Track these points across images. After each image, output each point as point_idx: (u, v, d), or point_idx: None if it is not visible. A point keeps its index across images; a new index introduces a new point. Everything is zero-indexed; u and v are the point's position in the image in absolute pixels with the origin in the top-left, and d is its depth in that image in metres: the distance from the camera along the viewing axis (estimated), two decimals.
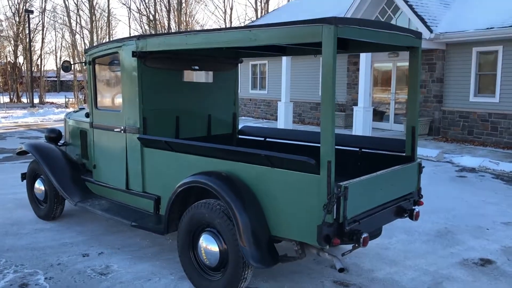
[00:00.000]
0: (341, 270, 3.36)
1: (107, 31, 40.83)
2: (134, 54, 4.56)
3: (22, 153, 6.13)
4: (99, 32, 40.62)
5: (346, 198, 3.25)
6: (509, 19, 12.07)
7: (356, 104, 16.38)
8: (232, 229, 3.59)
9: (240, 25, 20.94)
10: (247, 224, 3.52)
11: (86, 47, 5.69)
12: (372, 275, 4.36)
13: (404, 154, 4.31)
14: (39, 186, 5.88)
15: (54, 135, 6.40)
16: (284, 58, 15.02)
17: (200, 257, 3.91)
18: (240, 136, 5.74)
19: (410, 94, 4.25)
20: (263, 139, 5.47)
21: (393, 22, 15.31)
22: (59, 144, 6.38)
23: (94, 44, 22.09)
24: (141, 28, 41.76)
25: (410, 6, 13.74)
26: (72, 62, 5.48)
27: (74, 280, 4.20)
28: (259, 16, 37.60)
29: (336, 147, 4.61)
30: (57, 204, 5.73)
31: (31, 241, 5.16)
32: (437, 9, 14.36)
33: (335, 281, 4.22)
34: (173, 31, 34.73)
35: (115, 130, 4.94)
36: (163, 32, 37.43)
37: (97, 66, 5.32)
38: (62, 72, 36.59)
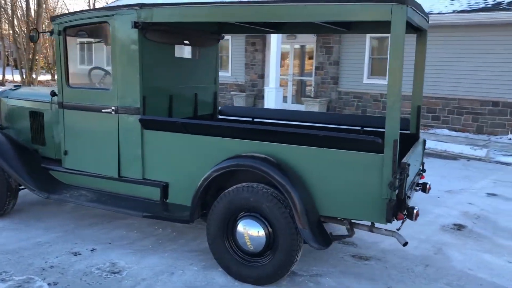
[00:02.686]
0: (406, 243, 3.49)
1: None
2: (136, 24, 4.05)
3: None
4: None
5: (408, 175, 3.37)
6: None
7: (254, 85, 16.70)
8: (284, 212, 3.48)
9: None
10: (303, 206, 3.45)
11: (53, 15, 4.77)
12: (379, 246, 4.59)
13: (408, 131, 4.58)
14: None
15: None
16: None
17: (240, 244, 3.71)
18: (220, 117, 5.49)
19: (416, 76, 4.50)
20: (250, 119, 5.30)
21: None
22: None
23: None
24: None
25: None
26: (40, 31, 4.61)
27: (86, 282, 3.68)
28: None
29: (337, 126, 4.74)
30: (9, 198, 4.90)
31: None
32: None
33: (353, 256, 4.36)
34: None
35: (103, 111, 4.36)
36: None
37: (69, 38, 4.60)
38: None
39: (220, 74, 17.89)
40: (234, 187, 3.69)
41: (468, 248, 4.65)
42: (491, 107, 12.24)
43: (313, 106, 14.34)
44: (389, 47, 3.20)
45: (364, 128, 4.74)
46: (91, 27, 4.46)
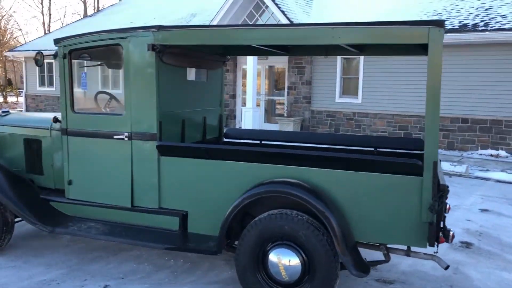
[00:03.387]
0: (447, 267, 3.45)
1: None
2: (153, 47, 3.89)
3: None
4: None
5: (447, 197, 3.35)
6: None
7: (226, 105, 16.60)
8: (322, 239, 3.37)
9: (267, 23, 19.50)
10: (342, 233, 3.36)
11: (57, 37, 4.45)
12: (399, 269, 4.54)
13: (422, 152, 4.59)
14: None
15: None
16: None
17: (272, 274, 3.55)
18: (226, 140, 5.34)
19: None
20: (258, 141, 5.17)
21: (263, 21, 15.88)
22: None
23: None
24: None
25: (283, 12, 14.46)
26: (45, 55, 4.30)
27: None
28: (88, 10, 35.04)
29: (349, 147, 4.71)
30: (5, 233, 4.53)
31: None
32: (302, 16, 15.42)
33: (377, 280, 4.28)
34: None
35: (115, 137, 4.13)
36: None
37: (75, 61, 4.35)
38: None
39: None
40: (265, 214, 3.55)
41: (483, 266, 4.67)
42: (460, 124, 12.67)
43: (288, 125, 14.37)
44: (427, 69, 3.19)
45: (378, 149, 4.73)
46: (99, 49, 4.23)
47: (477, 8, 13.07)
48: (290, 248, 3.49)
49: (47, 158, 4.72)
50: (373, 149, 4.76)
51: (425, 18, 13.38)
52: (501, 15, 12.24)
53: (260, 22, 15.92)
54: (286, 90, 15.52)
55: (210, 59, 4.88)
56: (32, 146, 4.79)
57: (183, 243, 3.87)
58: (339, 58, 14.36)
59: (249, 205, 3.72)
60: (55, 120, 4.47)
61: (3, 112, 5.30)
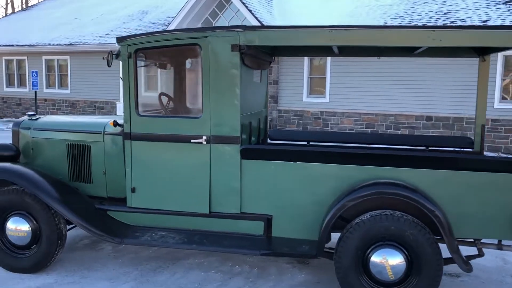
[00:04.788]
0: None
1: None
2: (240, 48, 3.76)
3: None
4: None
5: None
6: None
7: None
8: (429, 238, 3.45)
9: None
10: (450, 230, 3.47)
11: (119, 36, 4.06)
12: None
13: (472, 149, 4.83)
14: (17, 226, 4.15)
15: (10, 153, 4.58)
16: None
17: (374, 275, 3.58)
18: (270, 141, 5.27)
19: (480, 96, 4.77)
20: (305, 143, 5.14)
21: (227, 20, 15.81)
22: None
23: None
24: None
25: (251, 11, 14.44)
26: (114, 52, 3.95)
27: None
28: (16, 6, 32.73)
29: (401, 146, 4.85)
30: (59, 247, 4.16)
31: None
32: (266, 16, 15.50)
33: (444, 274, 4.43)
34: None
35: (192, 141, 3.94)
36: None
37: (140, 61, 4.08)
38: None
39: (148, 94, 17.30)
40: (367, 216, 3.56)
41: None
42: (425, 121, 13.39)
43: None
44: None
45: (429, 148, 4.90)
46: (169, 49, 4.02)
47: (436, 12, 13.86)
48: (394, 248, 3.54)
49: (98, 165, 4.40)
50: (424, 147, 4.93)
51: (388, 20, 13.99)
52: (460, 19, 13.08)
53: (223, 20, 15.80)
54: None
55: (265, 60, 4.80)
56: (79, 152, 4.45)
57: (276, 248, 3.78)
58: (306, 58, 14.61)
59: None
60: (115, 124, 4.18)
61: (30, 115, 4.86)
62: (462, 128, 12.96)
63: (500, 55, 12.17)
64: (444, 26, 3.52)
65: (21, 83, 19.90)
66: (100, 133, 4.36)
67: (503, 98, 12.44)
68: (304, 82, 14.76)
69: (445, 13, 13.66)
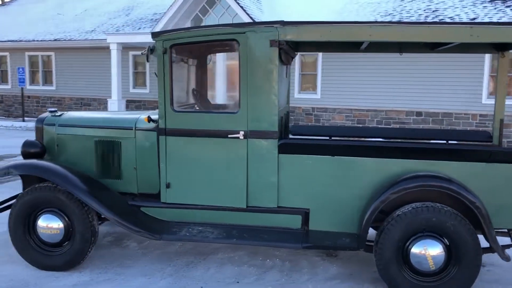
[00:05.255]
0: None
1: None
2: (279, 43, 3.79)
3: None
4: None
5: None
6: None
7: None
8: (470, 228, 3.56)
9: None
10: (490, 222, 3.59)
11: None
12: None
13: (490, 143, 4.97)
14: (48, 223, 4.09)
15: (36, 150, 4.50)
16: (114, 50, 13.49)
17: (414, 266, 3.67)
18: (292, 136, 5.30)
19: (499, 93, 4.92)
20: (327, 137, 5.20)
21: (217, 16, 15.78)
22: None
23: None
24: None
25: (242, 7, 14.44)
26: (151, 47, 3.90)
27: None
28: None
29: (422, 140, 4.97)
30: (92, 244, 4.13)
31: None
32: (257, 12, 15.52)
33: None
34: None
35: (229, 136, 3.96)
36: None
37: (175, 56, 4.06)
38: None
39: (138, 91, 17.13)
40: (409, 208, 3.65)
41: None
42: (415, 117, 13.65)
43: None
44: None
45: (449, 141, 5.03)
46: (205, 45, 4.02)
47: (424, 10, 14.13)
48: (433, 238, 3.64)
49: (128, 161, 4.37)
50: (444, 141, 5.05)
51: (378, 17, 14.18)
52: (449, 17, 13.37)
53: (213, 16, 15.75)
54: None
55: (291, 56, 4.84)
56: (108, 148, 4.41)
57: (317, 241, 3.84)
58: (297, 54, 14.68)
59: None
60: (149, 119, 4.16)
61: (52, 111, 4.78)
62: (451, 123, 13.27)
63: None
64: (479, 23, 3.62)
65: (3, 80, 19.41)
66: (132, 129, 4.33)
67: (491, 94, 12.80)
68: (295, 79, 14.84)
69: (433, 11, 13.94)
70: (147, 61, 3.97)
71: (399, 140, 5.02)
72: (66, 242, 4.12)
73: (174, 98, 4.09)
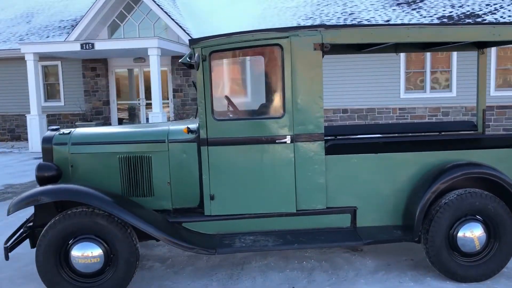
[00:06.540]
0: None
1: None
2: (324, 47, 3.85)
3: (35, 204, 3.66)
4: None
5: None
6: None
7: (99, 113, 15.45)
8: (507, 209, 3.94)
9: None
10: None
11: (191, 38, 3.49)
12: None
13: (476, 131, 5.51)
14: (85, 252, 3.71)
15: (52, 174, 4.05)
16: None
17: (460, 248, 3.95)
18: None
19: (480, 85, 5.45)
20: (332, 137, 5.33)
21: (137, 22, 15.24)
22: None
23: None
24: None
25: (166, 13, 14.11)
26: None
27: None
28: None
29: (419, 133, 5.39)
30: (137, 266, 3.83)
31: None
32: (180, 20, 15.27)
33: None
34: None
35: (277, 141, 3.92)
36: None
37: (215, 62, 3.90)
38: None
39: (51, 104, 15.83)
40: (453, 195, 3.92)
41: None
42: (341, 114, 14.44)
43: None
44: None
45: (442, 132, 5.47)
46: (247, 50, 3.93)
47: (342, 13, 15.00)
48: (475, 221, 3.97)
49: (161, 176, 4.11)
50: (437, 133, 5.48)
51: (300, 21, 14.76)
52: (365, 19, 14.36)
53: (131, 21, 15.20)
54: (171, 93, 15.15)
55: None
56: (135, 164, 4.11)
57: (373, 236, 3.96)
58: None
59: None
60: (189, 130, 3.96)
61: (55, 129, 4.33)
62: (374, 117, 14.25)
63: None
64: (499, 23, 4.03)
65: None
66: (164, 142, 4.08)
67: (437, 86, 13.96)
68: None
69: (350, 14, 14.86)
70: (197, 69, 3.78)
71: (427, 134, 5.33)
72: (106, 270, 3.77)
73: (214, 107, 3.94)
